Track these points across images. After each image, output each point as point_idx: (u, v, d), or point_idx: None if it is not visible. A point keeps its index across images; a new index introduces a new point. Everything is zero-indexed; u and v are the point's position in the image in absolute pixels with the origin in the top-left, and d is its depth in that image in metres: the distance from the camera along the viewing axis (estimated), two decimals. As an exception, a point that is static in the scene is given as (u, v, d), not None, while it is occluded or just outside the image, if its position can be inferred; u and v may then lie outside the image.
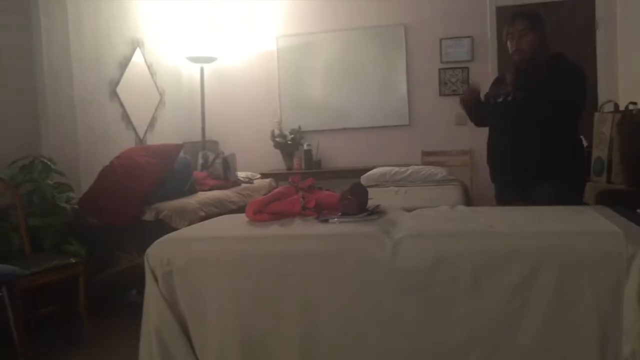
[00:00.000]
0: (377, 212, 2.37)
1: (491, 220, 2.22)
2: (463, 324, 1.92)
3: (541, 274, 1.85)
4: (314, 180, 2.63)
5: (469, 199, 4.46)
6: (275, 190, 2.55)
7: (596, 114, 3.50)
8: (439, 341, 1.94)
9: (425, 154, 5.90)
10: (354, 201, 2.34)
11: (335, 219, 2.28)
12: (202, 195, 4.39)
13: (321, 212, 2.39)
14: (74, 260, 3.44)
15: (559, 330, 1.85)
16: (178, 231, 2.59)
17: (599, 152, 3.37)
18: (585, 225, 2.09)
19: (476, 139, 4.34)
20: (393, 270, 1.95)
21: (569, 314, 1.85)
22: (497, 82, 3.17)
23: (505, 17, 5.90)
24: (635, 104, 3.29)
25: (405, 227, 2.15)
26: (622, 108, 3.38)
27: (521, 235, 1.99)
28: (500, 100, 2.99)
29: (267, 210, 2.40)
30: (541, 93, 2.78)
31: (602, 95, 5.35)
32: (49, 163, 3.86)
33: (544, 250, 1.88)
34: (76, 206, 3.94)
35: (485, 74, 5.49)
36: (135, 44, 5.34)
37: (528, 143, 2.88)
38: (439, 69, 6.06)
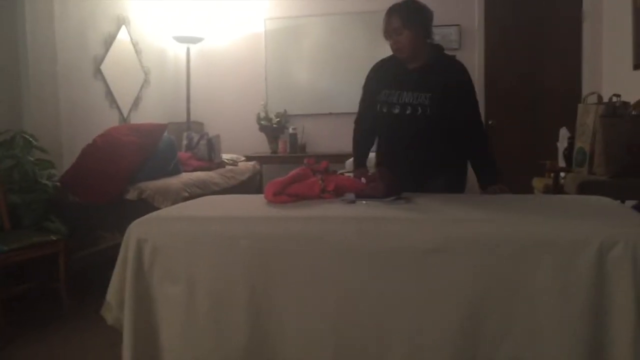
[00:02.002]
0: (404, 198, 2.38)
1: (493, 207, 2.24)
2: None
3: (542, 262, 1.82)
4: (329, 163, 2.63)
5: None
6: (293, 172, 2.52)
7: (580, 106, 3.53)
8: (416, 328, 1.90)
9: (410, 140, 5.90)
10: (382, 185, 2.37)
11: (364, 201, 2.31)
12: (186, 176, 4.38)
13: (340, 195, 2.40)
14: (54, 238, 3.43)
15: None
16: (159, 210, 2.57)
17: (581, 143, 3.40)
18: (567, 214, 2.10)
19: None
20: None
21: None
22: (381, 76, 2.98)
23: (494, 6, 5.93)
24: (618, 96, 3.31)
25: (438, 211, 2.17)
26: (605, 100, 3.41)
27: (515, 223, 1.96)
28: (397, 111, 2.82)
29: (287, 192, 2.39)
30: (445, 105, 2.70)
31: (586, 86, 5.41)
32: (30, 139, 3.81)
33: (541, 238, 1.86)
34: (58, 183, 3.91)
35: (472, 62, 5.51)
36: (120, 22, 5.28)
37: (433, 150, 2.80)
38: (426, 56, 6.06)
